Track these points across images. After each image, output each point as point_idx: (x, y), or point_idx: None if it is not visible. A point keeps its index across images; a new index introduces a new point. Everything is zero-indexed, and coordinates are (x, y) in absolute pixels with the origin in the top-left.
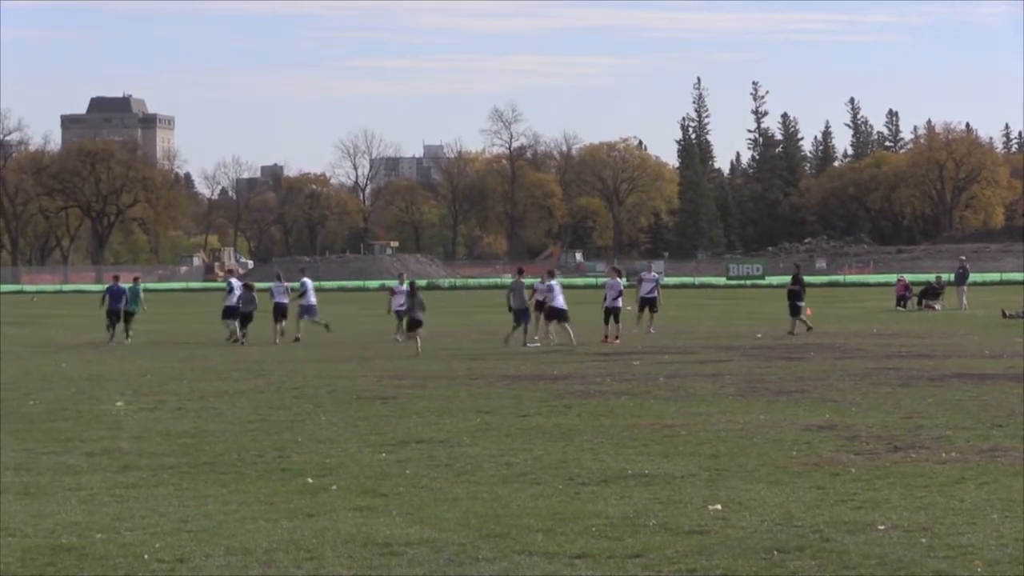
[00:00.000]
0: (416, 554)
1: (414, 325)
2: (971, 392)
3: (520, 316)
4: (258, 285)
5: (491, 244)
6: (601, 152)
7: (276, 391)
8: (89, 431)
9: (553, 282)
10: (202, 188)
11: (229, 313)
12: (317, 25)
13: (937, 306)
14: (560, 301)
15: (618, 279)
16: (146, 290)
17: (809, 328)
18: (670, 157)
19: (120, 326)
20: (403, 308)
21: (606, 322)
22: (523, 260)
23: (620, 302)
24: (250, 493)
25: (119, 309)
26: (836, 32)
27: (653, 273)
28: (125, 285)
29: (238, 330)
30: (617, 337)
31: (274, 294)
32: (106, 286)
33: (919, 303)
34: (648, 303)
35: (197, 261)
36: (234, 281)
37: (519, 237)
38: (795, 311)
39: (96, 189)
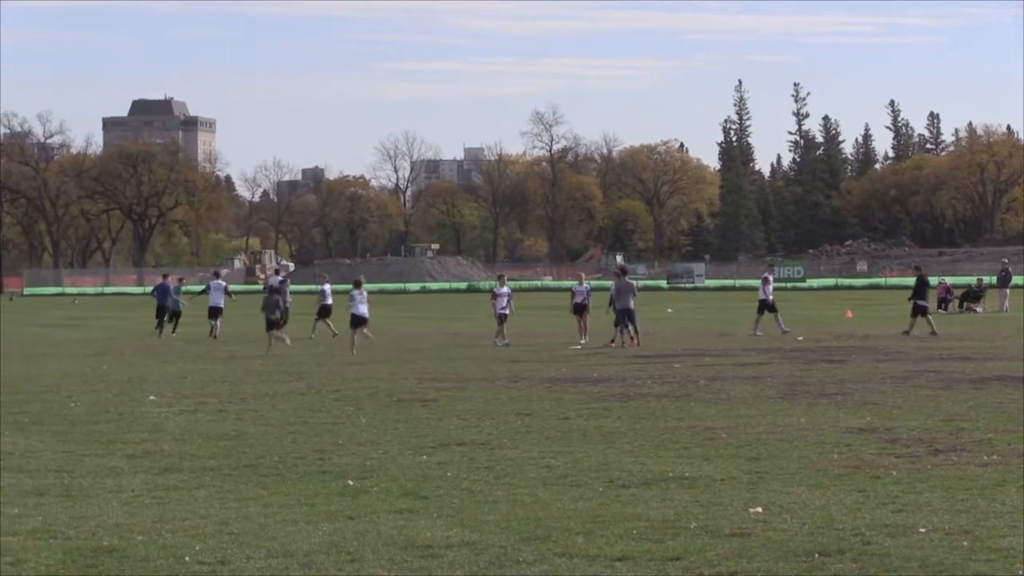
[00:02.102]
0: (457, 556)
1: (271, 325)
2: (1013, 395)
3: (622, 316)
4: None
5: (532, 246)
6: (641, 154)
7: (316, 393)
8: (130, 433)
9: (357, 291)
10: (243, 191)
11: (211, 313)
12: (356, 28)
13: (979, 309)
14: (362, 309)
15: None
16: (188, 292)
17: (933, 332)
18: (711, 159)
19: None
20: (505, 311)
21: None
22: (563, 263)
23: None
24: (291, 495)
25: (167, 306)
26: (876, 34)
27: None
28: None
29: (216, 327)
30: (633, 338)
31: (326, 296)
32: (154, 285)
33: (960, 306)
34: (770, 305)
35: (238, 263)
36: (212, 282)
37: (560, 239)
38: (918, 311)
39: (137, 191)
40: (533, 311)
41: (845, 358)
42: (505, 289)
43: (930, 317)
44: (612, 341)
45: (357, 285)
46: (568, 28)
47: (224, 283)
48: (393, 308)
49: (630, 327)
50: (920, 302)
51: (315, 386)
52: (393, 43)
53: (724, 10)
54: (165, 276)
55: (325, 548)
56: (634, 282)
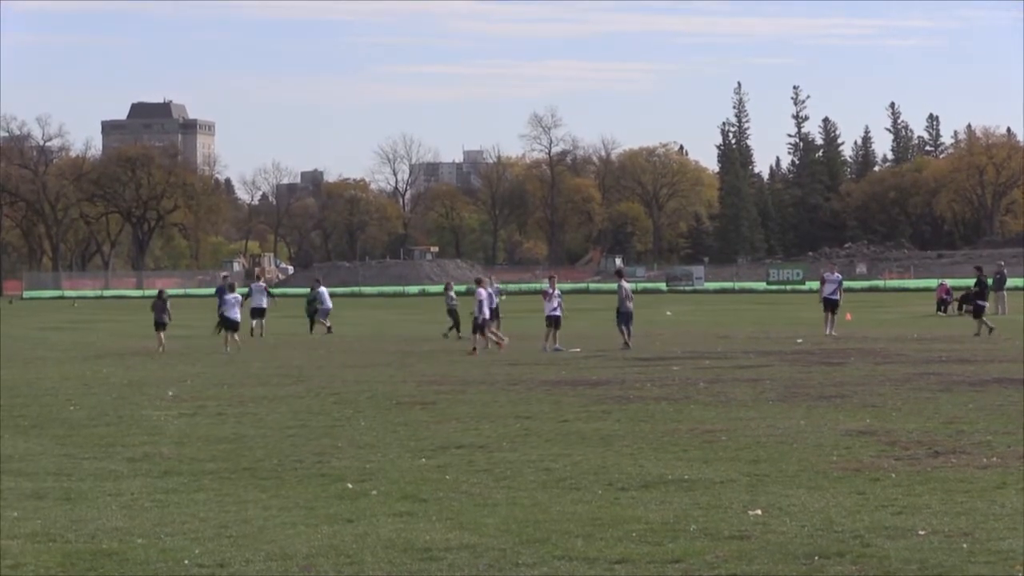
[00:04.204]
0: (456, 559)
1: (158, 328)
2: (1012, 397)
3: (620, 319)
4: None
5: (531, 249)
6: (640, 157)
7: (316, 396)
8: (130, 436)
9: (231, 295)
10: (242, 194)
11: (253, 313)
12: (355, 31)
13: None
14: (235, 313)
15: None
16: (189, 296)
17: (991, 330)
18: (710, 162)
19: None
20: (555, 313)
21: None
22: (563, 265)
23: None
24: (290, 498)
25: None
26: (876, 36)
27: (836, 274)
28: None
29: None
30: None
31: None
32: (216, 288)
33: (960, 308)
34: (831, 304)
35: (237, 266)
36: (253, 284)
37: (559, 242)
38: (978, 312)
39: (136, 195)
40: (533, 313)
41: (844, 360)
42: (555, 291)
43: (985, 319)
44: (474, 349)
45: (232, 288)
46: (566, 31)
47: (265, 285)
48: (392, 311)
49: (624, 329)
50: (979, 303)
51: (314, 389)
52: (392, 46)
53: (723, 12)
54: (225, 278)
55: (324, 551)
56: (625, 285)
